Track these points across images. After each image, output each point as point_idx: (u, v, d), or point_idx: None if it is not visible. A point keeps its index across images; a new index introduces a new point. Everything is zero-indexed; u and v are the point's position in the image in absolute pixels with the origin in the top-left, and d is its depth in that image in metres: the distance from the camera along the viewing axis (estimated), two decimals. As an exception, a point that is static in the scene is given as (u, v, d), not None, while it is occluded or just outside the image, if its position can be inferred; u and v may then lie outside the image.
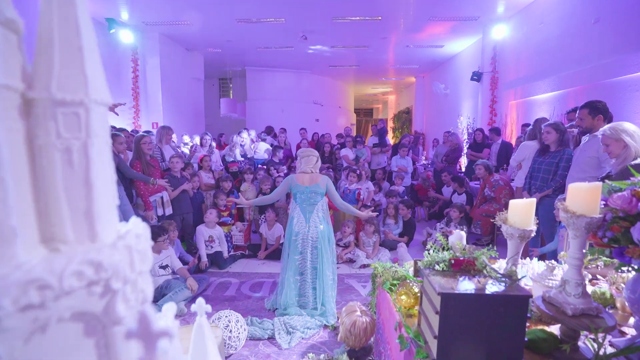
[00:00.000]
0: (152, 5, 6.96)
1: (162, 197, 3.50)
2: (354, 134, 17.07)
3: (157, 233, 2.86)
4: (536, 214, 3.36)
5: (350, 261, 3.97)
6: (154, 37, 8.44)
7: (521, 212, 1.07)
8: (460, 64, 10.16)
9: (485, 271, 0.99)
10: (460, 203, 4.31)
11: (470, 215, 4.73)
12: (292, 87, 12.74)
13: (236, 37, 8.88)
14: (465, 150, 8.27)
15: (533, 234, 1.10)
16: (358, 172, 4.62)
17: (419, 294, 1.25)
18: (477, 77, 8.38)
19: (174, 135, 6.04)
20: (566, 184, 3.09)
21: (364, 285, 3.41)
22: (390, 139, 17.50)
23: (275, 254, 4.03)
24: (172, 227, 3.37)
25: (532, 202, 1.08)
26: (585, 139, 2.95)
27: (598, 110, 2.82)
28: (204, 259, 3.68)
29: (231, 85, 14.18)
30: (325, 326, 2.68)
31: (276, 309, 2.90)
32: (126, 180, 3.32)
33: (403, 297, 1.28)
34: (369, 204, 4.91)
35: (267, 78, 12.54)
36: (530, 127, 3.75)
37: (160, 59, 8.56)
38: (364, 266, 3.83)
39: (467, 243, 4.01)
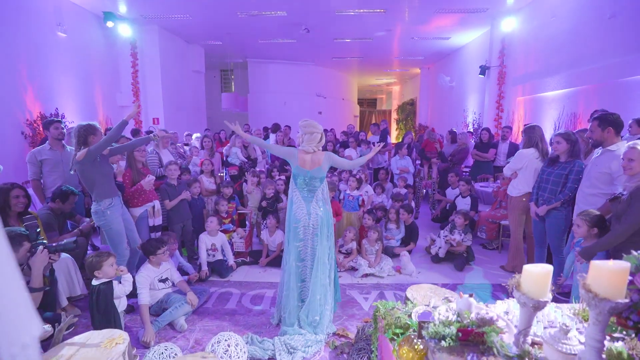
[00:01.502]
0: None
1: (153, 206, 3.43)
2: (357, 129, 16.85)
3: (156, 246, 2.82)
4: (544, 225, 3.27)
5: (352, 269, 3.92)
6: (153, 30, 8.25)
7: (536, 281, 0.99)
8: (466, 56, 9.89)
9: (495, 350, 0.92)
10: (465, 210, 4.21)
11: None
12: (294, 79, 12.51)
13: (237, 29, 8.66)
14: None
15: (549, 304, 1.02)
16: (358, 176, 4.52)
17: (423, 352, 1.18)
18: (483, 71, 8.15)
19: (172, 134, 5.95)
20: (576, 198, 2.98)
21: (366, 297, 3.35)
22: (394, 130, 17.29)
23: (276, 261, 3.97)
24: (172, 239, 3.32)
25: (548, 271, 1.00)
26: (597, 152, 2.82)
27: (608, 123, 2.68)
28: (204, 267, 3.64)
29: (233, 76, 13.96)
30: (326, 344, 2.64)
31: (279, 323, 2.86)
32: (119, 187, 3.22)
33: (405, 352, 1.22)
34: (369, 206, 4.81)
35: (269, 70, 12.31)
36: (526, 134, 3.57)
37: (159, 53, 8.39)
38: (366, 275, 3.78)
39: (472, 247, 3.88)
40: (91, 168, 2.77)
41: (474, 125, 8.66)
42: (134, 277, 2.71)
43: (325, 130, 8.39)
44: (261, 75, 12.37)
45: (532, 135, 3.48)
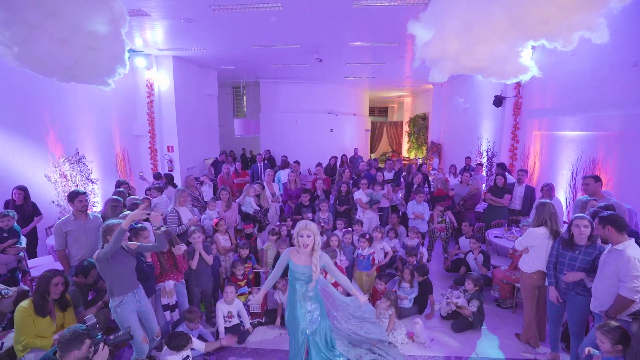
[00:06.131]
0: (166, 36, 6.85)
1: (164, 287, 3.54)
2: (368, 148, 16.71)
3: (183, 345, 2.90)
4: (560, 308, 3.24)
5: (366, 333, 3.95)
6: (168, 60, 8.35)
7: None
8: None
9: None
10: (477, 275, 4.20)
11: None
12: (306, 97, 12.52)
13: (250, 57, 8.72)
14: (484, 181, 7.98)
15: None
16: (367, 236, 4.52)
17: None
18: (497, 102, 8.03)
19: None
20: (592, 290, 2.95)
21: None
22: (406, 143, 17.13)
23: (291, 322, 4.06)
24: (198, 318, 3.42)
25: None
26: (609, 247, 2.84)
27: (607, 222, 2.73)
28: (222, 335, 3.74)
29: (244, 91, 14.04)
30: None
31: None
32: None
33: None
34: (386, 260, 4.80)
35: (280, 89, 12.34)
36: (536, 210, 3.53)
37: (173, 80, 8.48)
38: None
39: (484, 304, 3.84)
40: (105, 266, 2.78)
41: (487, 154, 8.56)
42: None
43: (334, 158, 8.47)
44: (273, 94, 12.43)
45: (541, 213, 3.43)
